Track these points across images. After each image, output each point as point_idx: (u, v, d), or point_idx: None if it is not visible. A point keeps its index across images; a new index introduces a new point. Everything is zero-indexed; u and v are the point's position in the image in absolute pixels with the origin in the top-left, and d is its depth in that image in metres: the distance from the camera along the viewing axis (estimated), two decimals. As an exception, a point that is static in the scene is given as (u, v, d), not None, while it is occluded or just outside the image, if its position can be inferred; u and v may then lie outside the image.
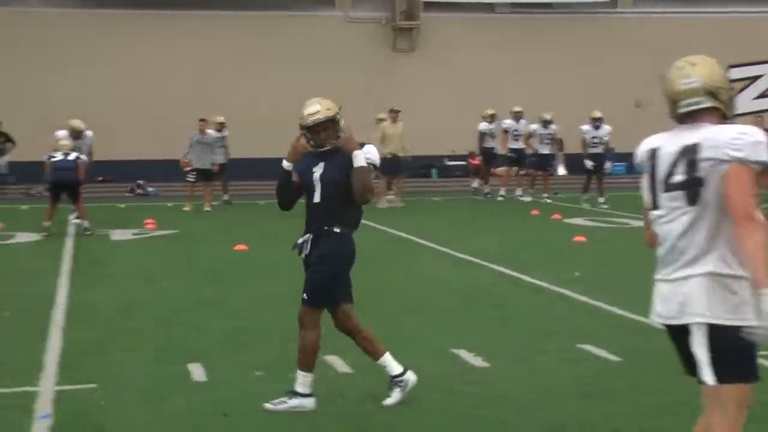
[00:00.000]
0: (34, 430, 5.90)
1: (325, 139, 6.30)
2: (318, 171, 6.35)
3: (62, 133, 17.36)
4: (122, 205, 22.54)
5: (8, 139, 25.36)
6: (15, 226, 17.40)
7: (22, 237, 16.12)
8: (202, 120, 21.42)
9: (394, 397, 6.47)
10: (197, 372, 7.17)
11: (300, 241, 6.50)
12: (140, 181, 26.26)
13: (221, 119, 22.31)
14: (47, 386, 6.81)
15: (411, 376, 6.53)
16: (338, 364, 7.42)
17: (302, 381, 6.33)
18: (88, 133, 18.53)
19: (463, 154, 28.78)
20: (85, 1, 28.13)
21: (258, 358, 7.63)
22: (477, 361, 7.53)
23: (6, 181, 25.65)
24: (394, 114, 22.33)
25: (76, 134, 17.78)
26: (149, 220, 17.83)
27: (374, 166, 6.42)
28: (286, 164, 6.48)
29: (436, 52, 29.68)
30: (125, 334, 8.57)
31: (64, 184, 16.25)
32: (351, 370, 7.27)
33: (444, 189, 26.98)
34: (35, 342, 8.16)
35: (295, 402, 6.30)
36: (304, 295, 6.39)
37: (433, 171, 29.29)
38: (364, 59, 29.25)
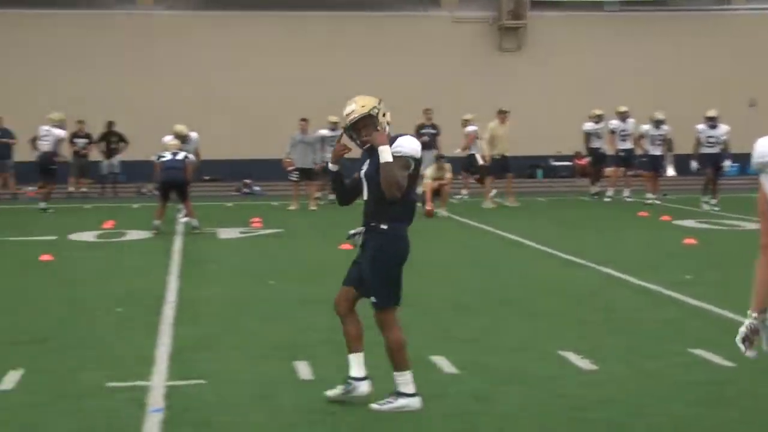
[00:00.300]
0: (146, 424, 6.03)
1: (366, 136, 6.30)
2: (365, 168, 6.35)
3: (169, 137, 17.77)
4: (229, 204, 22.92)
5: (121, 138, 26.04)
6: (126, 224, 17.85)
7: (133, 235, 16.52)
8: (303, 119, 21.65)
9: (335, 390, 6.43)
10: (304, 370, 7.25)
11: (352, 232, 6.51)
12: (247, 181, 26.66)
13: (334, 119, 22.48)
14: (158, 381, 6.96)
15: (364, 388, 6.42)
16: (444, 364, 7.41)
17: (402, 381, 6.32)
18: (193, 135, 18.94)
19: (569, 154, 28.52)
20: (190, 2, 28.69)
21: (365, 356, 7.64)
22: (584, 364, 7.44)
23: (118, 180, 26.31)
24: (503, 115, 22.19)
25: (182, 138, 18.15)
26: (255, 219, 18.10)
27: (413, 159, 6.23)
28: (330, 165, 6.54)
29: (542, 52, 29.48)
30: (233, 332, 8.70)
31: (174, 184, 16.60)
32: (457, 371, 7.26)
33: (549, 189, 26.75)
34: (147, 338, 8.35)
35: (401, 402, 6.30)
36: (373, 299, 6.37)
37: (539, 171, 29.08)
38: (470, 59, 29.22)
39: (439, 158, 20.37)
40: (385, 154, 6.09)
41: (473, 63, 29.22)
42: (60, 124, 21.51)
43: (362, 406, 6.35)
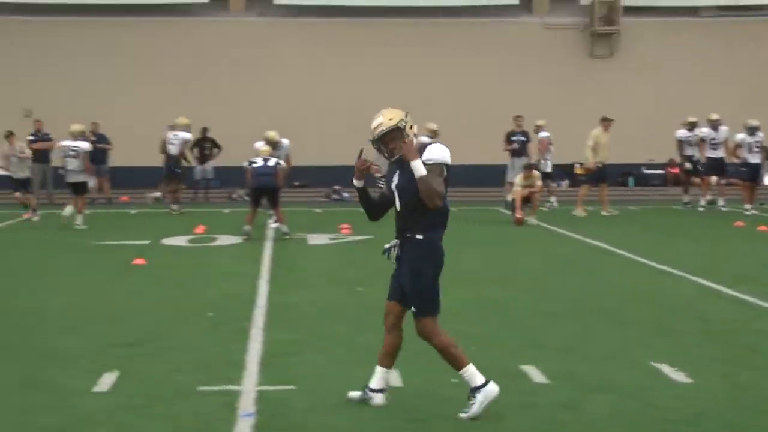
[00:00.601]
0: (237, 428, 6.12)
1: (394, 149, 6.40)
2: (395, 180, 6.43)
3: (261, 143, 18.00)
4: (318, 210, 23.09)
5: (214, 144, 26.44)
6: (217, 229, 18.10)
7: (224, 240, 16.75)
8: None
9: (353, 394, 6.62)
10: (393, 377, 7.25)
11: (387, 246, 6.56)
12: (336, 187, 26.82)
13: (434, 126, 22.50)
14: (249, 385, 7.05)
15: (379, 399, 6.56)
16: (534, 373, 7.37)
17: (470, 377, 6.38)
18: (285, 141, 19.17)
19: (662, 162, 28.11)
20: (280, 9, 28.99)
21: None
22: (678, 376, 7.33)
23: (210, 186, 26.70)
24: (607, 122, 21.87)
25: (273, 145, 18.34)
26: (345, 226, 18.21)
27: (445, 164, 6.29)
28: (356, 182, 6.65)
29: (635, 58, 29.12)
30: (322, 337, 8.77)
31: (265, 189, 16.79)
32: (547, 380, 7.21)
33: (641, 198, 26.42)
34: (238, 342, 8.46)
35: (480, 397, 6.32)
36: (414, 308, 6.44)
37: (630, 179, 28.73)
38: (561, 66, 29.01)
39: (529, 166, 20.25)
40: (419, 168, 6.18)
41: (564, 70, 28.99)
42: (186, 128, 22.21)
43: (451, 414, 6.35)
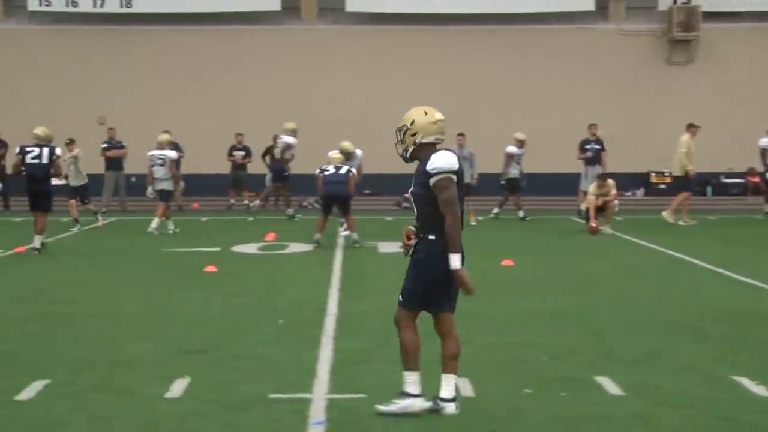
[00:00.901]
0: (307, 436, 6.16)
1: (406, 149, 6.67)
2: (412, 186, 6.64)
3: (335, 151, 18.10)
4: (389, 218, 23.12)
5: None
6: (288, 237, 18.22)
7: (295, 248, 16.85)
8: (460, 134, 21.76)
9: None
10: (465, 387, 7.24)
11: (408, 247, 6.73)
12: (407, 195, 26.72)
13: (522, 136, 22.43)
14: (320, 393, 7.08)
15: (451, 409, 6.49)
16: (609, 385, 7.28)
17: (409, 381, 6.52)
18: (358, 152, 19.30)
19: (741, 171, 27.67)
20: (353, 17, 29.12)
21: (526, 374, 7.61)
22: (759, 390, 7.19)
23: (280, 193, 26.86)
24: (694, 129, 21.54)
25: (347, 155, 18.44)
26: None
27: (451, 171, 6.38)
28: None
29: (715, 65, 28.72)
30: (392, 346, 8.69)
31: (336, 197, 16.87)
32: (622, 392, 7.12)
33: (719, 207, 26.01)
34: (308, 350, 8.50)
35: (404, 403, 6.49)
36: (400, 296, 6.65)
37: (708, 188, 28.31)
38: (637, 73, 28.73)
39: (603, 175, 20.05)
40: (454, 261, 6.34)
41: (640, 77, 28.70)
42: (293, 133, 22.66)
43: (523, 424, 6.30)
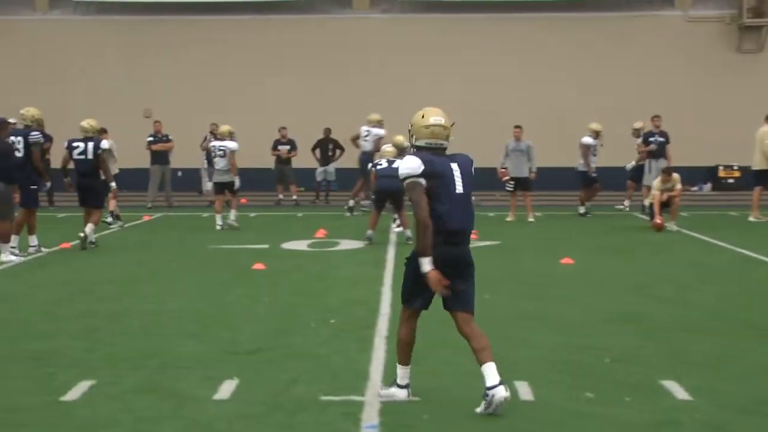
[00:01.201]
0: (360, 439, 6.17)
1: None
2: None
3: (388, 145, 18.11)
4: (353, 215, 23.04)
5: (337, 146, 26.62)
6: (339, 233, 18.26)
7: (346, 244, 16.88)
8: (517, 126, 21.64)
9: (482, 407, 6.66)
10: (523, 390, 7.21)
11: None
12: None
13: (598, 127, 22.27)
14: (373, 396, 7.08)
15: (501, 392, 6.59)
16: (676, 389, 7.21)
17: (401, 374, 6.96)
18: (413, 147, 19.24)
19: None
20: (405, 6, 29.12)
21: (587, 378, 7.56)
22: (835, 396, 7.09)
23: (331, 188, 26.95)
24: None
25: (400, 150, 18.43)
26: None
27: (414, 175, 6.70)
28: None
29: (789, 52, 28.35)
30: (446, 346, 8.72)
31: (389, 192, 16.86)
32: (690, 397, 7.05)
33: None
34: (361, 351, 8.52)
35: (392, 390, 6.98)
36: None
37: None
38: (705, 61, 28.43)
39: (668, 169, 19.85)
40: (423, 265, 6.72)
41: (708, 65, 28.39)
42: (379, 125, 22.91)
43: (586, 430, 6.26)
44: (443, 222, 6.73)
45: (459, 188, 6.86)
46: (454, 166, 6.87)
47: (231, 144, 19.55)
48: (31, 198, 15.76)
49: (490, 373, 6.61)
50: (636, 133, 23.21)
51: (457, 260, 6.82)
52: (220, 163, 19.58)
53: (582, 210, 22.30)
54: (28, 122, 16.03)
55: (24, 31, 29.07)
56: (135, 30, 28.93)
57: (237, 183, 19.57)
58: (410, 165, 6.72)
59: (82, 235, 16.14)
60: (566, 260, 14.36)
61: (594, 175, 22.04)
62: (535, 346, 8.68)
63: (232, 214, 19.61)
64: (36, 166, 15.66)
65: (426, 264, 6.63)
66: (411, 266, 6.89)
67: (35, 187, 15.78)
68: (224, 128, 20.02)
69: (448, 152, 6.99)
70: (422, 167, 6.68)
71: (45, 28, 29.18)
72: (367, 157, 22.60)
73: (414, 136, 6.91)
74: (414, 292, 6.90)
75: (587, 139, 22.12)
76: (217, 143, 19.74)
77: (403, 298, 7.02)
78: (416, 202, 6.69)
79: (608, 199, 24.44)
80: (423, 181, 6.68)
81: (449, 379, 7.57)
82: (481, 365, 6.67)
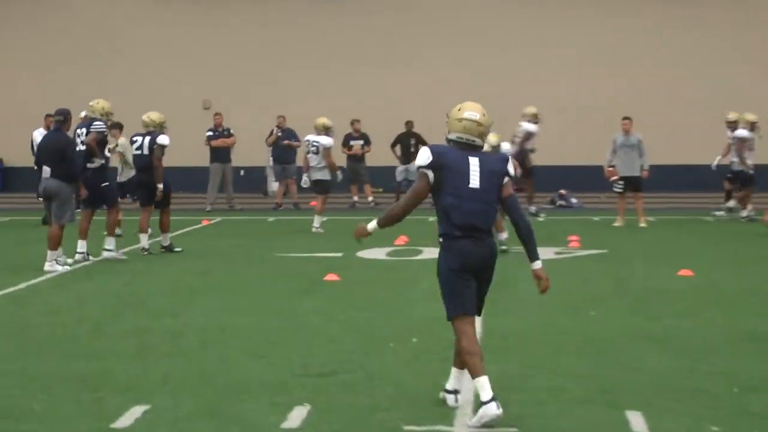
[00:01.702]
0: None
1: None
2: None
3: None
4: (541, 218, 22.90)
5: (420, 140, 26.38)
6: (421, 240, 18.10)
7: (429, 253, 16.72)
8: (625, 118, 21.39)
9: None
10: (636, 421, 7.10)
11: None
12: (562, 191, 26.59)
13: (754, 117, 21.92)
14: (461, 427, 7.04)
15: (451, 401, 7.48)
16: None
17: (479, 387, 7.04)
18: (505, 145, 19.08)
19: None
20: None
21: (712, 408, 7.42)
22: None
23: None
24: None
25: (492, 149, 18.38)
26: (573, 237, 18.00)
27: (422, 167, 7.29)
28: None
29: None
30: (547, 371, 8.66)
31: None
32: None
33: None
34: (447, 374, 8.42)
35: (480, 411, 6.97)
36: None
37: None
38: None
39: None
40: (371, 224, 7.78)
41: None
42: (533, 119, 22.59)
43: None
44: (447, 215, 7.21)
45: (474, 183, 7.17)
46: (473, 160, 7.21)
47: (324, 140, 19.70)
48: (100, 198, 16.01)
49: (453, 377, 7.55)
50: (750, 126, 22.45)
51: (471, 253, 7.22)
52: (314, 159, 19.88)
53: (744, 213, 21.79)
54: (96, 115, 16.08)
55: (76, 9, 29.50)
56: (195, 10, 29.20)
57: (339, 177, 19.89)
58: (421, 156, 7.25)
59: (162, 249, 16.86)
60: (685, 272, 14.16)
61: (751, 172, 21.59)
62: (650, 371, 8.56)
63: (317, 220, 19.76)
64: (92, 150, 15.65)
65: (372, 223, 7.65)
66: (439, 276, 7.30)
67: (107, 184, 16.03)
68: (320, 121, 20.13)
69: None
70: (430, 159, 7.18)
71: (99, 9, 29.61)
72: (519, 156, 21.86)
73: (448, 129, 7.37)
74: (451, 298, 7.21)
75: (743, 132, 21.66)
76: (311, 137, 19.98)
77: (447, 312, 7.30)
78: (410, 190, 7.45)
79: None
80: (430, 172, 7.20)
81: (553, 408, 7.48)
82: (453, 367, 7.51)
